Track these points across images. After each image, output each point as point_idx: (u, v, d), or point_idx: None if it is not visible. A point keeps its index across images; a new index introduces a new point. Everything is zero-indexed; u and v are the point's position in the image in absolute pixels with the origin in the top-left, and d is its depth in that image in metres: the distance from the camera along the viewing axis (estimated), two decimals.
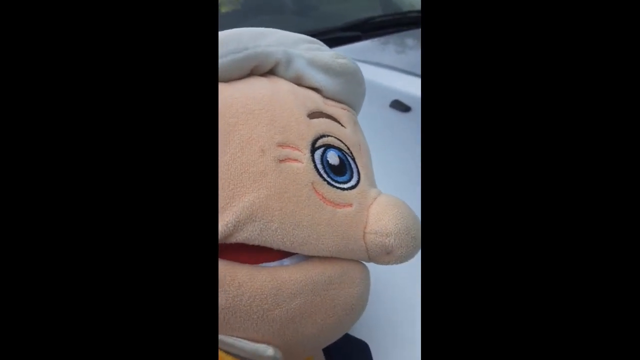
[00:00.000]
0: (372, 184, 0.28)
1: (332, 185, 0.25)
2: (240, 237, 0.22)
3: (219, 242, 0.22)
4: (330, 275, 0.24)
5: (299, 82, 0.29)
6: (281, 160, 0.24)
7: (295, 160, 0.24)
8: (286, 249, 0.23)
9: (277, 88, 0.27)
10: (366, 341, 0.33)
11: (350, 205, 0.25)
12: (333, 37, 0.91)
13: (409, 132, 0.59)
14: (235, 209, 0.22)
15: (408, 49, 0.97)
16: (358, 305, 0.25)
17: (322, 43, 0.31)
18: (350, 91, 0.30)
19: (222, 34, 0.26)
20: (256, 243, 0.22)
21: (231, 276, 0.22)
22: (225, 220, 0.22)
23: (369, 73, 0.79)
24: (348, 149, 0.27)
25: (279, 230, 0.22)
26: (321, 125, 0.26)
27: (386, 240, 0.24)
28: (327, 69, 0.28)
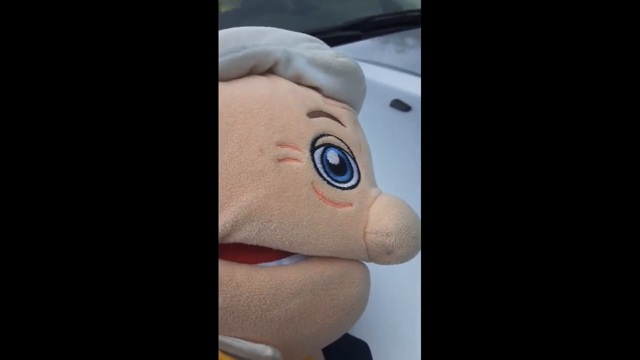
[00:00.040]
0: (373, 184, 0.27)
1: (332, 184, 0.24)
2: (238, 237, 0.22)
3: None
4: (330, 275, 0.23)
5: (298, 81, 0.28)
6: (280, 160, 0.23)
7: (295, 159, 0.24)
8: (285, 249, 0.23)
9: (276, 87, 0.27)
10: (366, 341, 0.33)
11: (351, 204, 0.24)
12: (333, 37, 0.91)
13: (409, 131, 0.59)
14: (233, 209, 0.22)
15: (408, 48, 0.97)
16: (358, 305, 0.25)
17: (322, 42, 0.30)
18: (350, 90, 0.30)
19: (220, 33, 0.25)
20: (255, 243, 0.22)
21: (229, 276, 0.22)
22: (223, 220, 0.21)
23: (369, 72, 0.79)
24: (348, 148, 0.26)
25: (277, 230, 0.22)
26: (321, 124, 0.26)
27: (387, 240, 0.24)
28: (327, 68, 0.28)
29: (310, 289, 0.23)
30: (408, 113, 0.67)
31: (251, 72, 0.27)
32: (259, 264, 0.23)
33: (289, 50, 0.28)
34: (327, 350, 0.29)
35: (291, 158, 0.24)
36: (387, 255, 0.24)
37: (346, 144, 0.26)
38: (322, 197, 0.24)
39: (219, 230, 0.21)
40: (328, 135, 0.26)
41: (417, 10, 1.09)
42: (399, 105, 0.68)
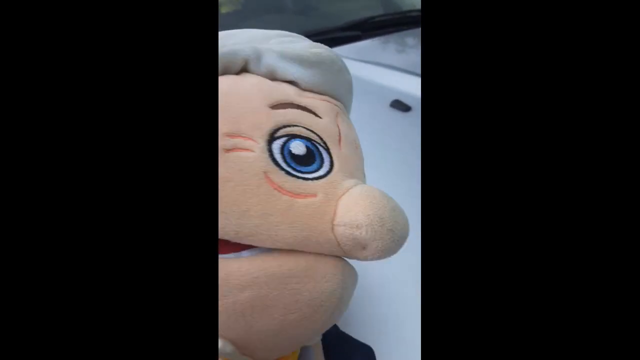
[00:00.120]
0: (352, 176, 0.26)
1: (292, 174, 0.24)
2: None
3: None
4: (291, 269, 0.22)
5: (273, 76, 0.28)
6: (227, 150, 0.23)
7: (246, 149, 0.24)
8: (232, 239, 0.22)
9: (240, 83, 0.27)
10: (365, 341, 0.33)
11: (314, 195, 0.24)
12: (333, 37, 0.91)
13: (409, 131, 0.59)
14: None
15: (408, 48, 0.97)
16: (329, 302, 0.24)
17: (298, 35, 0.30)
18: (330, 81, 0.29)
19: None
20: None
21: None
22: None
23: (370, 73, 0.79)
24: (321, 139, 0.26)
25: (220, 220, 0.22)
26: (287, 115, 0.25)
27: (357, 233, 0.22)
28: (300, 60, 0.28)
29: (264, 281, 0.22)
30: (408, 113, 0.67)
31: (225, 73, 0.27)
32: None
33: (258, 47, 0.27)
34: (327, 354, 0.29)
35: (241, 148, 0.23)
36: (363, 249, 0.23)
37: (318, 135, 0.26)
38: (278, 187, 0.23)
39: None
40: (294, 126, 0.25)
41: (418, 11, 1.09)
42: (399, 105, 0.68)
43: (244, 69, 0.28)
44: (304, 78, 0.28)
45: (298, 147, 0.24)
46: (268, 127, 0.24)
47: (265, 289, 0.22)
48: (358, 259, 0.24)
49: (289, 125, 0.25)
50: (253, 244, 0.22)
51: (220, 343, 0.22)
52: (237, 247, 0.23)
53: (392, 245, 0.23)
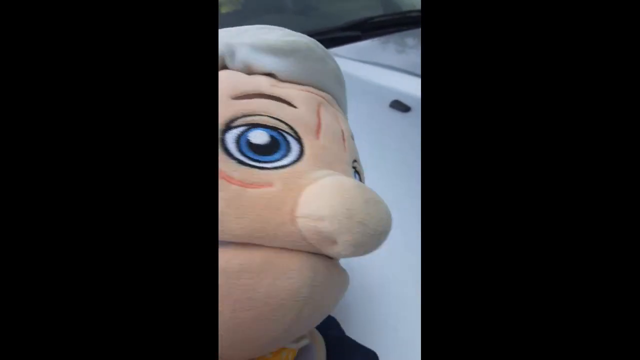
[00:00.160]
0: (330, 167, 0.24)
1: (245, 163, 0.22)
2: None
3: None
4: (243, 263, 0.21)
5: (250, 70, 0.27)
6: None
7: None
8: None
9: None
10: (368, 343, 0.33)
11: (270, 185, 0.22)
12: (333, 37, 0.92)
13: (409, 132, 0.59)
14: None
15: (408, 48, 0.97)
16: (291, 301, 0.21)
17: (275, 27, 0.28)
18: (309, 70, 0.27)
19: None
20: None
21: None
22: None
23: (369, 73, 0.79)
24: (291, 128, 0.24)
25: None
26: (250, 105, 0.24)
27: (320, 225, 0.20)
28: (274, 51, 0.26)
29: None
30: (408, 114, 0.67)
31: None
32: None
33: (231, 42, 0.27)
34: (331, 359, 0.29)
35: None
36: (333, 244, 0.21)
37: (288, 124, 0.24)
38: (227, 176, 0.22)
39: None
40: (258, 115, 0.24)
41: (417, 11, 1.09)
42: (399, 106, 0.68)
43: (223, 67, 0.27)
44: (279, 69, 0.27)
45: (259, 136, 0.23)
46: (225, 117, 0.23)
47: None
48: (331, 254, 0.22)
49: (250, 115, 0.24)
50: None
51: None
52: None
53: (365, 239, 0.20)
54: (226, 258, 0.20)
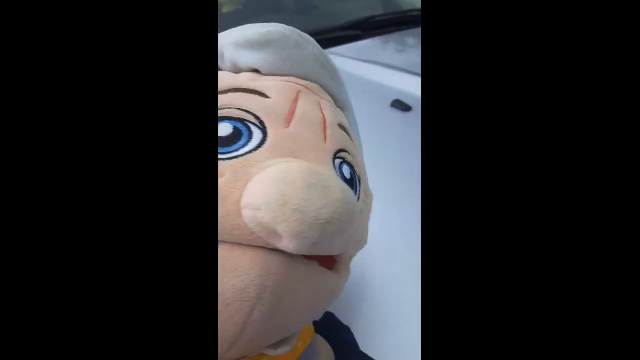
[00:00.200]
0: (297, 156, 0.23)
1: None
2: None
3: None
4: None
5: (237, 69, 0.27)
6: None
7: None
8: None
9: None
10: (367, 343, 0.33)
11: (222, 176, 0.20)
12: (334, 37, 0.92)
13: (410, 132, 0.59)
14: None
15: (409, 48, 0.97)
16: (239, 300, 0.20)
17: (259, 24, 0.28)
18: (286, 58, 0.26)
19: None
20: None
21: None
22: None
23: (370, 72, 0.79)
24: (257, 118, 0.23)
25: None
26: (222, 100, 0.24)
27: (259, 215, 0.19)
28: (252, 45, 0.26)
29: None
30: (409, 113, 0.67)
31: None
32: None
33: (220, 43, 0.27)
34: None
35: None
36: (277, 236, 0.19)
37: (254, 114, 0.23)
38: None
39: None
40: (226, 109, 0.23)
41: (418, 10, 1.09)
42: (400, 105, 0.68)
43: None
44: (259, 62, 0.26)
45: (223, 129, 0.22)
46: None
47: None
48: (281, 248, 0.20)
49: (219, 109, 0.23)
50: None
51: None
52: None
53: (303, 229, 0.18)
54: None
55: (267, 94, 0.25)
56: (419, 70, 0.75)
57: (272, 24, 0.27)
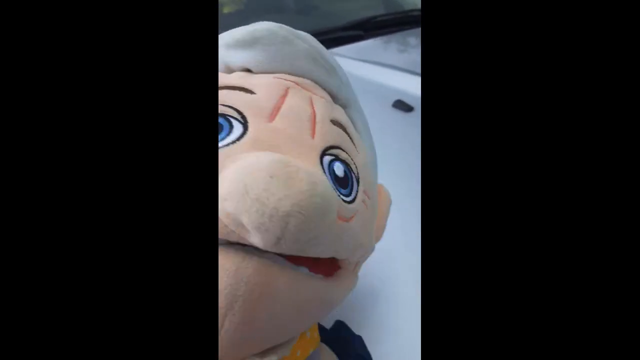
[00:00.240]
0: (278, 150, 0.22)
1: None
2: None
3: None
4: None
5: (230, 70, 0.27)
6: None
7: None
8: None
9: None
10: (367, 343, 0.33)
11: None
12: (335, 37, 0.92)
13: (411, 132, 0.59)
14: None
15: (410, 48, 0.97)
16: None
17: (250, 24, 0.27)
18: (275, 54, 0.26)
19: None
20: None
21: None
22: None
23: (372, 73, 0.79)
24: (239, 113, 0.23)
25: None
26: None
27: (225, 205, 0.18)
28: (239, 44, 0.26)
29: None
30: (411, 114, 0.67)
31: None
32: None
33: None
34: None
35: None
36: (245, 229, 0.19)
37: (237, 109, 0.24)
38: None
39: None
40: None
41: (419, 10, 1.09)
42: (402, 105, 0.68)
43: None
44: (249, 61, 0.26)
45: None
46: None
47: None
48: (254, 244, 0.19)
49: None
50: None
51: None
52: None
53: (264, 220, 0.18)
54: None
55: (253, 90, 0.25)
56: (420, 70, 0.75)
57: (261, 22, 0.27)
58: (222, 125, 0.22)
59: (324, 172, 0.23)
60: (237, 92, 0.25)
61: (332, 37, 0.91)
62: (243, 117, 0.23)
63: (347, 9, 1.19)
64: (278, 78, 0.26)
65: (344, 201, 0.23)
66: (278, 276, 0.20)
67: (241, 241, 0.19)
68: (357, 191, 0.25)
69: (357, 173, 0.26)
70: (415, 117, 0.65)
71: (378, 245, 0.29)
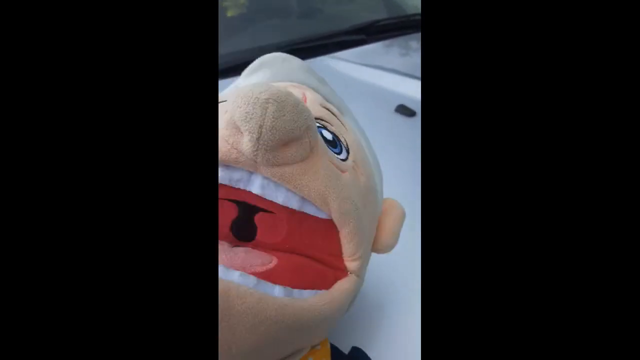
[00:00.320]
0: None
1: None
2: None
3: None
4: None
5: None
6: None
7: None
8: None
9: None
10: (367, 344, 0.33)
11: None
12: (338, 41, 0.92)
13: (414, 137, 0.59)
14: None
15: (412, 52, 0.97)
16: None
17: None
18: (278, 71, 0.32)
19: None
20: None
21: None
22: None
23: (374, 77, 0.79)
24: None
25: None
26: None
27: (225, 118, 0.23)
28: (252, 70, 0.33)
29: None
30: (413, 118, 0.67)
31: None
32: None
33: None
34: None
35: None
36: (238, 131, 0.22)
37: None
38: None
39: None
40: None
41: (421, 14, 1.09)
42: (404, 110, 0.68)
43: None
44: (258, 79, 0.32)
45: None
46: None
47: None
48: (246, 148, 0.22)
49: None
50: None
51: None
52: None
53: (250, 110, 0.21)
54: None
55: None
56: None
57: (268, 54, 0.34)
58: None
59: None
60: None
61: (334, 41, 0.91)
62: None
63: (349, 12, 1.19)
64: (277, 82, 0.30)
65: (336, 156, 0.26)
66: (237, 300, 0.21)
67: (235, 162, 0.22)
68: (347, 154, 0.27)
69: (347, 145, 0.28)
70: (418, 122, 0.65)
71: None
